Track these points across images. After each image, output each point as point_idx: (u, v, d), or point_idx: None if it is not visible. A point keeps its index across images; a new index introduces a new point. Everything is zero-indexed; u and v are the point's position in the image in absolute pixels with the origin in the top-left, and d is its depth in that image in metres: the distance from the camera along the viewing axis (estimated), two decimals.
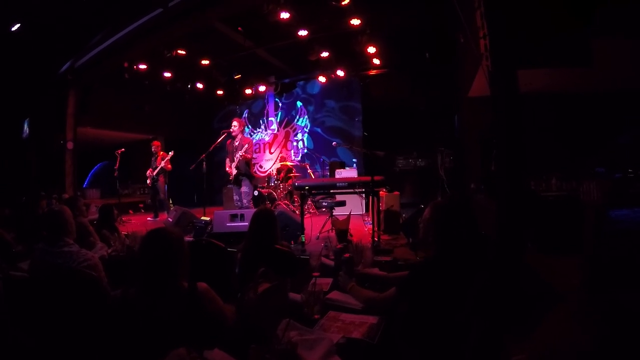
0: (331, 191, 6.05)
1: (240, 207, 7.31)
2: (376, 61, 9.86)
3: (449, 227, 2.06)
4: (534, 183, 5.63)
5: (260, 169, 12.62)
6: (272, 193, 8.76)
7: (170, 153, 8.97)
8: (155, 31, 8.04)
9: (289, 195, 9.09)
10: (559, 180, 5.56)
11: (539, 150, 5.85)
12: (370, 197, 5.77)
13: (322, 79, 11.00)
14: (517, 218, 4.06)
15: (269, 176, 10.07)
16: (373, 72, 10.71)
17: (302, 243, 5.34)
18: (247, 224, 3.05)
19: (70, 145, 9.96)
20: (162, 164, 8.89)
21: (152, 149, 9.29)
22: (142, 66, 9.65)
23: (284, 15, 7.03)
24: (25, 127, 10.32)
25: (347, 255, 2.60)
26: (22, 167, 10.03)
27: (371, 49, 8.87)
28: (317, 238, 6.11)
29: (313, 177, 10.27)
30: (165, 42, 8.68)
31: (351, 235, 5.12)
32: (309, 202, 8.88)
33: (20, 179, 9.82)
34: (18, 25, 7.49)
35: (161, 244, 1.94)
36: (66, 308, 2.42)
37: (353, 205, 7.81)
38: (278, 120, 12.83)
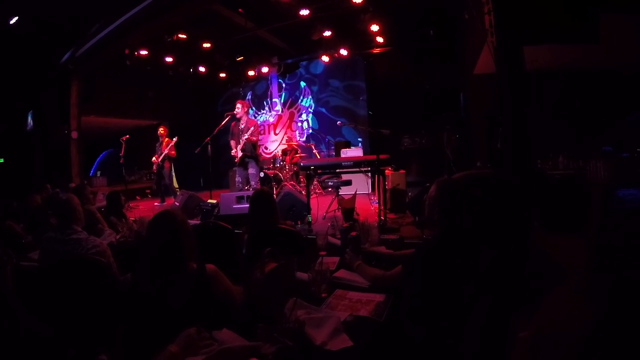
0: (337, 171, 6.03)
1: (241, 190, 7.33)
2: (380, 39, 9.72)
3: (454, 205, 2.04)
4: (541, 162, 5.56)
5: (265, 151, 12.61)
6: (278, 174, 8.76)
7: (174, 139, 8.95)
8: (155, 16, 7.95)
9: (295, 175, 9.09)
10: (566, 158, 5.48)
11: (545, 128, 5.77)
12: (376, 176, 5.73)
13: (325, 58, 10.82)
14: (523, 196, 4.04)
15: (275, 157, 10.05)
16: (377, 51, 10.56)
17: (309, 223, 5.37)
18: None
19: (74, 134, 9.98)
20: (166, 150, 8.87)
21: (158, 134, 9.22)
22: (143, 52, 9.60)
23: None
24: (29, 119, 10.33)
25: (353, 234, 2.61)
26: (28, 160, 10.10)
27: (374, 27, 8.71)
28: (324, 218, 6.13)
29: (318, 157, 10.24)
30: (165, 27, 8.58)
31: (357, 215, 5.10)
32: (315, 182, 8.89)
33: (27, 171, 9.90)
34: (16, 18, 7.45)
35: (167, 227, 1.96)
36: (77, 294, 2.45)
37: (359, 185, 7.82)
38: (282, 101, 12.76)
